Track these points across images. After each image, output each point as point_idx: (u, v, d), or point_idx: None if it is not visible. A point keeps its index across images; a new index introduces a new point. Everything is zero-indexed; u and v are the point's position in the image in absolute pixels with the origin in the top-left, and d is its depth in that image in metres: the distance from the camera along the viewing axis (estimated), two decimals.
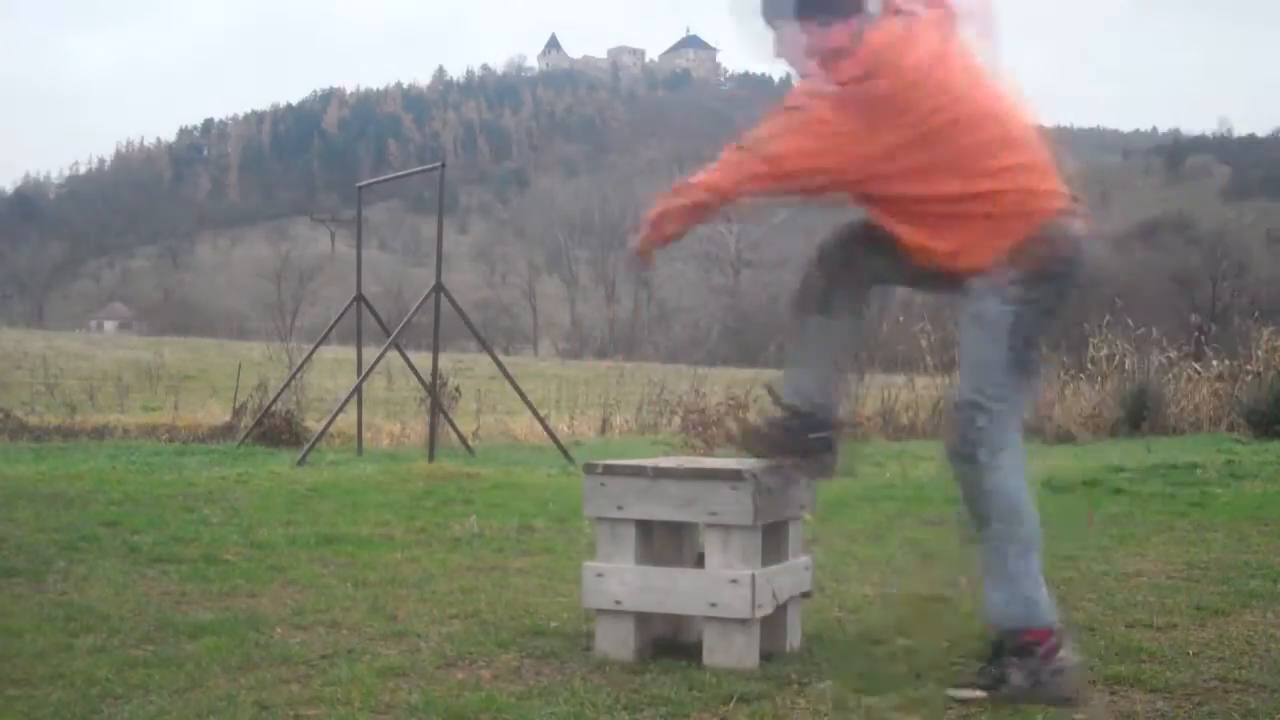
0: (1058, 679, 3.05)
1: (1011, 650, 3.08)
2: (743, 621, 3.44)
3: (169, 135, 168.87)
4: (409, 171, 19.67)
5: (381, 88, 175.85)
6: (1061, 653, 3.09)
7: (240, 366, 19.03)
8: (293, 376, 13.91)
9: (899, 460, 10.18)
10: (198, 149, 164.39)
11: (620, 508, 3.60)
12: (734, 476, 3.47)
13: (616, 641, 3.58)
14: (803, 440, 3.47)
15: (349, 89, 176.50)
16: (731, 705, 3.09)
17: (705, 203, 3.19)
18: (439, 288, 11.51)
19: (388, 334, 12.60)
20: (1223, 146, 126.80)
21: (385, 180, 18.83)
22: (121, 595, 4.50)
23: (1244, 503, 7.39)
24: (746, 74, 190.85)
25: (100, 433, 14.57)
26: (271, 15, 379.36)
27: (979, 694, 3.05)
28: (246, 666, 3.45)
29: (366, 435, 12.96)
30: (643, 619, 3.59)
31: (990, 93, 3.17)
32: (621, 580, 3.57)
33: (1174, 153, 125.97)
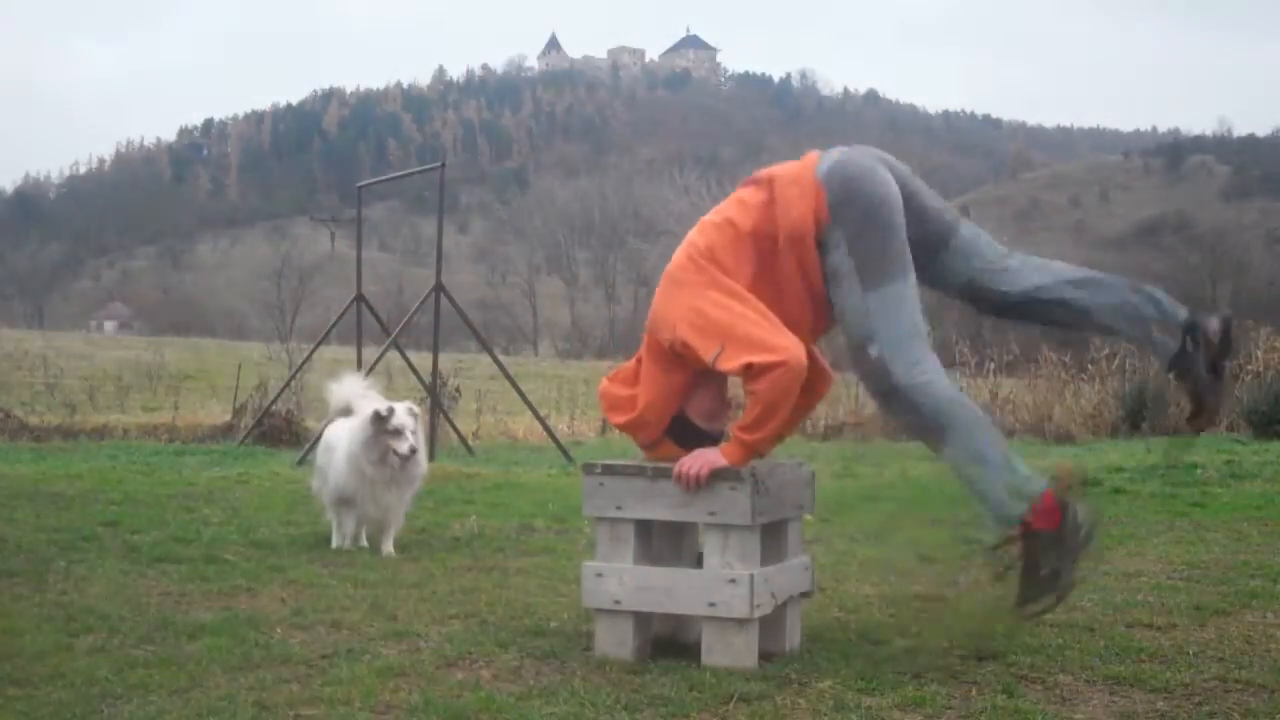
0: (1083, 535, 3.40)
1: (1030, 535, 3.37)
2: (741, 621, 3.44)
3: (169, 135, 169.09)
4: (409, 171, 19.66)
5: (381, 88, 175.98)
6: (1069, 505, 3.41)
7: (240, 366, 19.04)
8: (293, 376, 13.92)
9: (899, 460, 10.18)
10: (198, 149, 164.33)
11: (620, 507, 3.60)
12: (733, 476, 3.47)
13: (616, 641, 3.57)
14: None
15: (349, 89, 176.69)
16: (731, 705, 3.09)
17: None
18: (439, 288, 11.51)
19: (388, 334, 12.60)
20: (1223, 146, 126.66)
21: (385, 180, 18.82)
22: (121, 595, 4.50)
23: (1244, 503, 7.39)
24: (746, 74, 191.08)
25: (100, 433, 14.57)
26: (272, 15, 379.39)
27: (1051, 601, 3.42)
28: (246, 666, 3.45)
29: None
30: (642, 619, 3.59)
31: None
32: (621, 580, 3.57)
33: (1174, 153, 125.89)
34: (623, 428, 3.75)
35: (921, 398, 3.46)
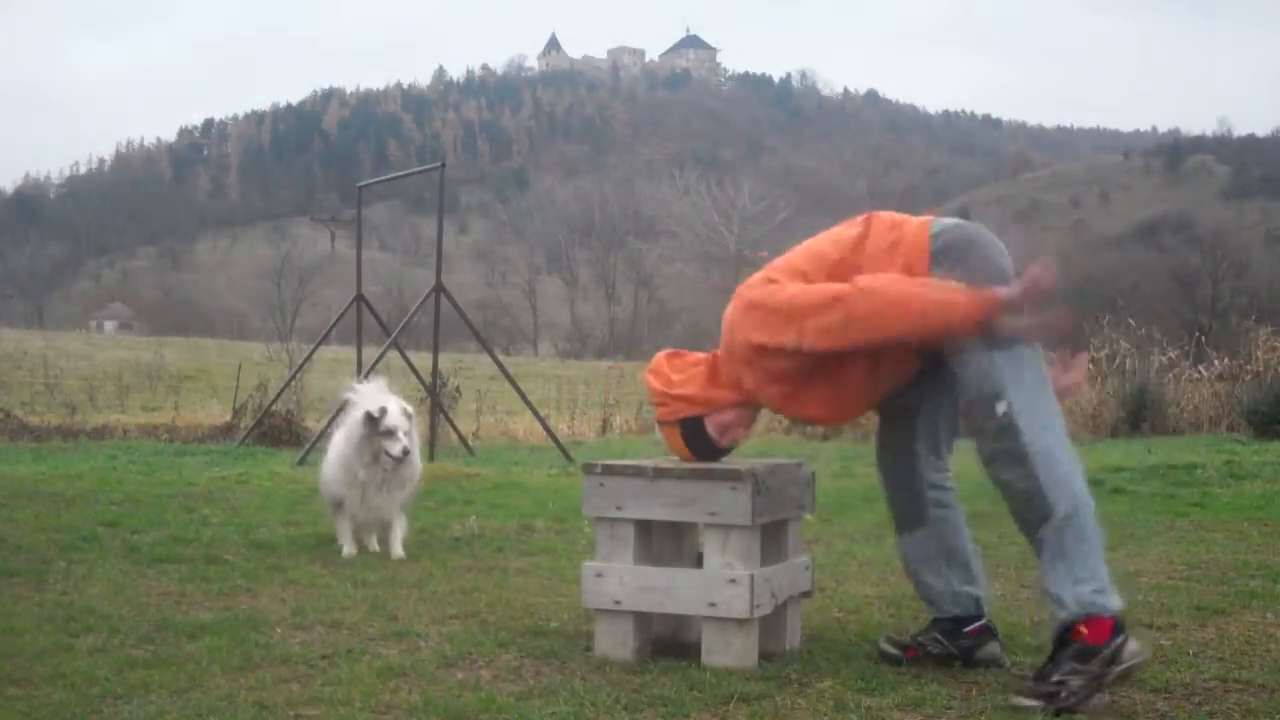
0: (1115, 671, 3.07)
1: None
2: (741, 621, 3.44)
3: (169, 135, 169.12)
4: (409, 171, 19.67)
5: (381, 88, 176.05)
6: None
7: (240, 367, 19.06)
8: (293, 376, 13.92)
9: None
10: (198, 149, 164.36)
11: (620, 508, 3.60)
12: (733, 476, 3.47)
13: (616, 641, 3.57)
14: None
15: (349, 89, 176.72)
16: (731, 705, 3.09)
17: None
18: (439, 288, 11.51)
19: (388, 334, 12.60)
20: (1223, 146, 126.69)
21: (385, 180, 18.83)
22: (121, 595, 4.50)
23: (1244, 503, 7.39)
24: (746, 74, 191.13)
25: (100, 433, 14.57)
26: (272, 16, 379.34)
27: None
28: (246, 666, 3.45)
29: None
30: (642, 619, 3.59)
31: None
32: (621, 580, 3.57)
33: (1174, 153, 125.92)
34: (650, 389, 3.72)
35: (1043, 468, 3.13)
